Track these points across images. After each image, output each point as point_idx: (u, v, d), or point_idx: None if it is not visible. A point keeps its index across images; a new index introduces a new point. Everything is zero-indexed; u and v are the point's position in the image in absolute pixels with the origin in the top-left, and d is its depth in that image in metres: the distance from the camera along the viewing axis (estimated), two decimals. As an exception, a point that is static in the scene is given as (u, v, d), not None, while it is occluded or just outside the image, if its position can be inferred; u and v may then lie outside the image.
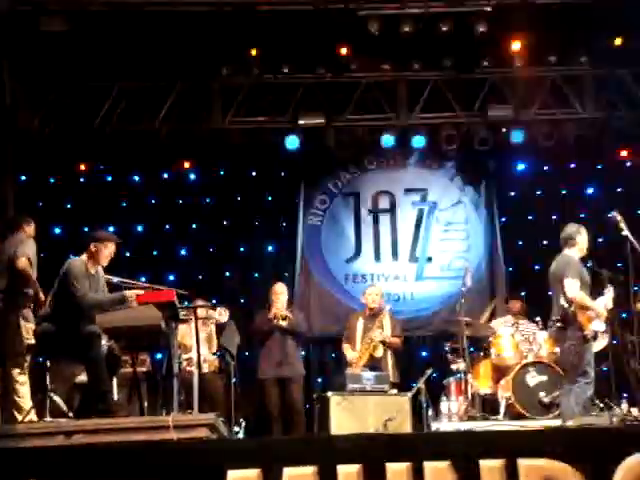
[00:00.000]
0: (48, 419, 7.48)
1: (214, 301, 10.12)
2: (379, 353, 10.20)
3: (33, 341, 7.92)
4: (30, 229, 8.31)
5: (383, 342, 10.24)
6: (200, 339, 9.93)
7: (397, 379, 10.19)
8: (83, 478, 5.86)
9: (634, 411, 8.11)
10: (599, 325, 8.29)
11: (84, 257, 7.73)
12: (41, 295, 7.99)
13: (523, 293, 11.52)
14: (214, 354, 10.25)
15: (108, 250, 7.79)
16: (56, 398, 8.07)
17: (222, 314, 9.80)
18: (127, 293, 7.53)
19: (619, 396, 9.21)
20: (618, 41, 11.14)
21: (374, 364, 10.14)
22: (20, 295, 7.94)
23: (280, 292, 10.55)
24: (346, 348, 10.49)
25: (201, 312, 9.29)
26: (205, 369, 10.09)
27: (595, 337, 8.32)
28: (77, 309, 7.41)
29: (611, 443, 5.99)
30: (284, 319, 10.33)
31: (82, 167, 12.32)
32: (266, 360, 10.36)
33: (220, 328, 10.04)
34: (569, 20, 10.63)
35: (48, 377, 7.89)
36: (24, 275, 7.90)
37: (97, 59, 10.96)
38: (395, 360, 10.39)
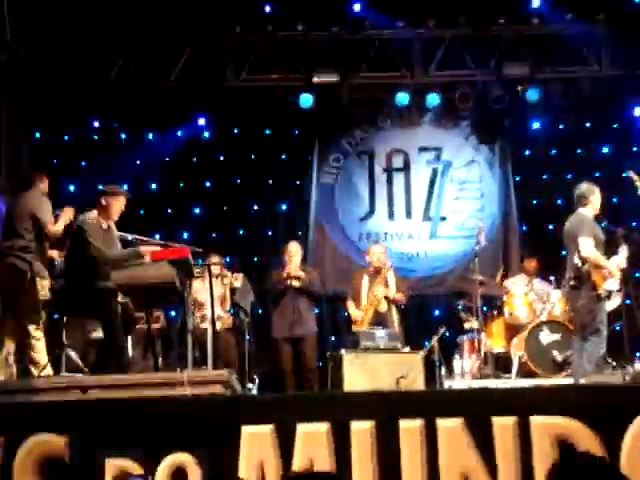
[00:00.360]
0: (64, 374, 7.54)
1: (227, 259, 10.17)
2: (383, 308, 10.21)
3: (48, 297, 7.97)
4: (43, 184, 8.30)
5: (386, 297, 10.25)
6: (214, 296, 10.05)
7: (402, 334, 10.21)
8: (98, 433, 5.92)
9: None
10: (613, 284, 8.28)
11: (95, 212, 7.76)
12: (54, 254, 8.03)
13: (537, 252, 11.48)
14: (228, 311, 10.28)
15: (119, 204, 7.83)
16: (72, 353, 8.14)
17: (237, 279, 9.86)
18: (142, 248, 7.57)
19: (632, 355, 9.22)
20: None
21: (379, 319, 10.15)
22: (37, 253, 7.96)
23: (294, 252, 10.55)
24: (350, 305, 10.50)
25: (215, 269, 9.37)
26: (218, 326, 10.14)
27: (609, 296, 8.31)
28: (92, 265, 7.45)
29: (624, 400, 6.00)
30: (297, 279, 10.35)
31: (96, 124, 12.27)
32: (279, 319, 10.40)
33: (234, 290, 10.10)
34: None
35: (64, 333, 7.95)
36: (53, 239, 7.95)
37: (112, 15, 10.89)
38: (400, 316, 10.40)
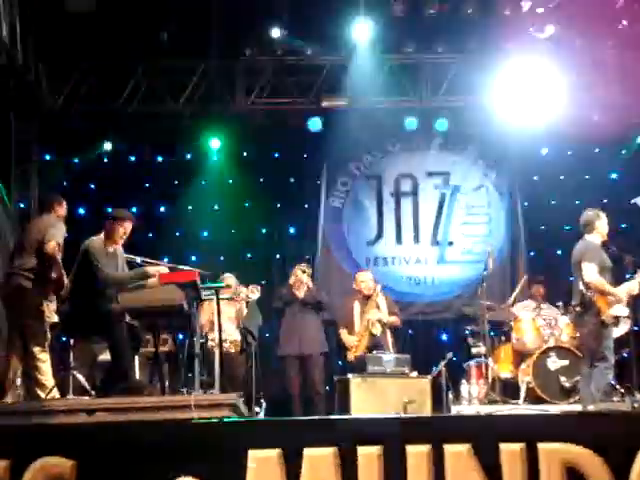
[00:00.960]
0: (71, 396, 7.55)
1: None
2: (377, 330, 10.17)
3: (55, 319, 7.98)
4: (61, 210, 8.31)
5: (380, 320, 10.22)
6: (227, 317, 10.07)
7: None
8: (104, 455, 5.91)
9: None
10: (620, 310, 8.27)
11: (101, 236, 7.79)
12: (64, 279, 8.03)
13: (544, 278, 11.46)
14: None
15: (123, 229, 7.85)
16: (79, 376, 8.14)
17: (254, 292, 9.83)
18: (149, 269, 7.58)
19: (640, 382, 9.18)
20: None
21: (375, 343, 10.11)
22: (45, 277, 7.97)
23: (300, 274, 10.52)
24: (343, 333, 10.44)
25: (228, 292, 9.42)
26: (232, 349, 10.16)
27: (616, 323, 8.30)
28: (98, 288, 7.46)
29: (632, 428, 5.98)
30: (300, 288, 10.30)
31: (106, 147, 12.30)
32: (287, 336, 10.37)
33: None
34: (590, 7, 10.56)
35: (72, 355, 7.96)
36: (51, 259, 7.92)
37: (120, 39, 10.95)
38: (394, 339, 10.37)
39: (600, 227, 8.56)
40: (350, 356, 10.18)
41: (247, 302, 10.11)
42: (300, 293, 10.33)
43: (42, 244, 7.77)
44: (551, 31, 11.08)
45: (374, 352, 9.88)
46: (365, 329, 10.21)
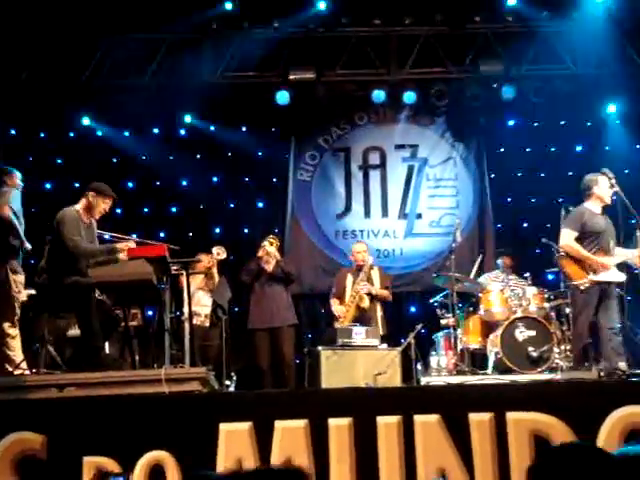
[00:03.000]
0: (43, 370, 7.52)
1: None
2: (365, 303, 10.20)
3: (23, 293, 7.95)
4: (12, 180, 8.22)
5: (369, 294, 10.26)
6: (204, 291, 10.08)
7: (385, 332, 10.22)
8: (75, 431, 5.92)
9: (621, 365, 8.17)
10: (604, 276, 8.32)
11: (78, 207, 7.74)
12: (26, 244, 7.97)
13: (511, 249, 11.54)
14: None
15: (104, 205, 7.81)
16: (51, 349, 8.12)
17: (220, 253, 9.84)
18: (119, 245, 7.57)
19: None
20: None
21: (362, 316, 10.16)
22: (5, 247, 7.90)
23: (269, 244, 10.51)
24: (334, 302, 10.49)
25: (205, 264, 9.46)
26: (206, 323, 10.20)
27: (605, 286, 8.33)
28: (70, 259, 7.43)
29: (598, 396, 6.06)
30: (268, 263, 10.28)
31: (71, 122, 12.20)
32: (256, 310, 10.33)
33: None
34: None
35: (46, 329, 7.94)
36: (6, 224, 7.86)
37: (87, 12, 10.85)
38: (384, 313, 10.42)
39: (598, 192, 8.50)
40: (337, 325, 10.20)
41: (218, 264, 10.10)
42: (269, 267, 10.32)
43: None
44: None
45: (349, 324, 9.93)
46: (353, 300, 10.25)
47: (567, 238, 8.44)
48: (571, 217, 8.55)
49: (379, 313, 10.31)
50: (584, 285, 8.33)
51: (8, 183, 8.19)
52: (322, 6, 11.23)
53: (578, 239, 8.46)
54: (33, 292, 7.97)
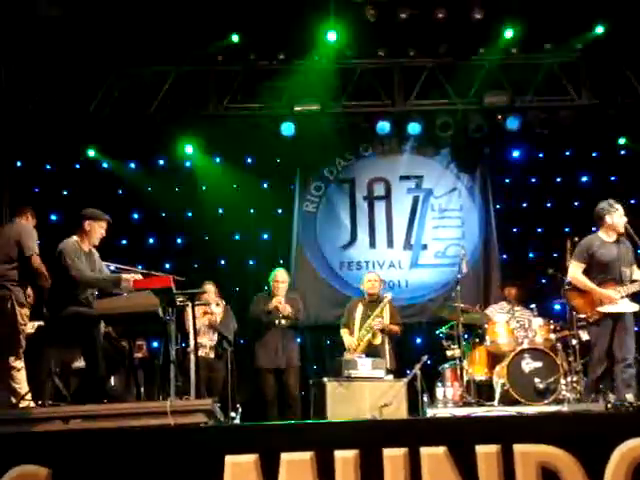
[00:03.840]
0: (49, 402, 7.50)
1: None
2: (378, 341, 10.22)
3: (29, 326, 7.95)
4: (33, 218, 8.33)
5: (382, 330, 10.26)
6: (209, 323, 10.10)
7: (394, 366, 10.21)
8: (79, 463, 5.88)
9: (629, 397, 8.13)
10: (613, 307, 8.28)
11: (76, 237, 7.77)
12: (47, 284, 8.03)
13: (518, 280, 11.52)
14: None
15: (101, 229, 7.85)
16: (57, 381, 8.11)
17: (219, 304, 9.93)
18: (124, 275, 7.57)
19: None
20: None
21: (372, 350, 10.15)
22: (20, 284, 7.95)
23: (282, 280, 10.54)
24: (344, 333, 10.52)
25: (209, 297, 9.53)
26: (211, 354, 10.20)
27: (617, 317, 8.29)
28: (73, 290, 7.44)
29: (606, 429, 6.02)
30: (285, 318, 10.32)
31: (78, 153, 12.24)
32: (263, 350, 10.35)
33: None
34: (564, 6, 10.63)
35: (52, 362, 7.94)
36: (39, 273, 7.94)
37: (93, 44, 10.92)
38: (392, 347, 10.41)
39: (610, 221, 8.47)
40: (345, 357, 10.18)
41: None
42: (281, 321, 10.33)
43: (22, 254, 7.78)
44: None
45: (357, 355, 9.93)
46: (365, 334, 10.23)
47: (574, 271, 8.46)
48: (578, 249, 8.54)
49: (387, 346, 10.30)
50: (593, 317, 8.31)
51: (31, 221, 8.27)
52: (332, 37, 11.24)
53: (587, 270, 8.43)
54: (41, 323, 7.98)
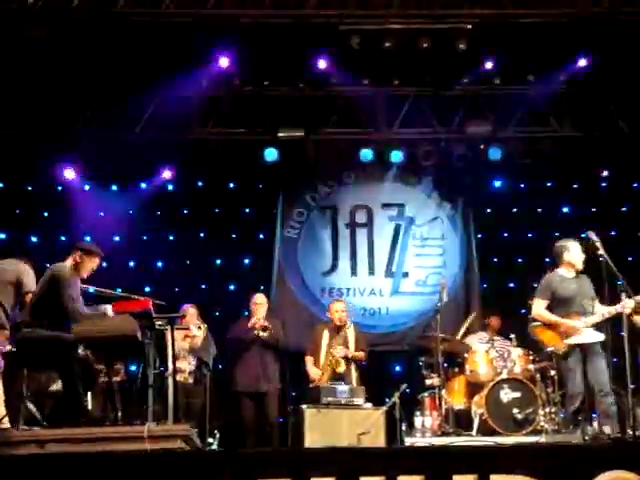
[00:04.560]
0: (23, 427, 7.42)
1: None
2: (341, 368, 10.17)
3: (7, 347, 7.88)
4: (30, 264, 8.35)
5: (345, 357, 10.22)
6: (188, 348, 10.06)
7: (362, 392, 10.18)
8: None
9: (606, 429, 8.15)
10: (579, 338, 8.46)
11: (68, 265, 7.73)
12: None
13: (499, 310, 11.54)
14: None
15: (92, 264, 7.81)
16: (30, 406, 8.02)
17: (201, 328, 9.92)
18: (108, 308, 7.52)
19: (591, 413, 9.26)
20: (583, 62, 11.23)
21: (338, 379, 10.09)
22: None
23: (260, 303, 10.55)
24: (308, 361, 10.43)
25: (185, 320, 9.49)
26: (190, 380, 10.15)
27: (585, 348, 8.45)
28: (59, 316, 7.39)
29: (583, 460, 6.03)
30: (264, 330, 10.29)
31: (60, 175, 12.20)
32: (243, 373, 10.31)
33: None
34: (547, 39, 10.71)
35: (25, 385, 7.85)
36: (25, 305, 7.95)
37: (76, 66, 10.91)
38: (360, 373, 10.36)
39: (569, 258, 8.75)
40: (325, 384, 10.14)
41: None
42: (263, 335, 10.30)
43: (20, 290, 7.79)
44: None
45: (329, 383, 9.86)
46: (329, 364, 10.19)
47: (537, 308, 8.74)
48: (541, 286, 8.84)
49: (354, 374, 10.26)
50: (561, 350, 8.50)
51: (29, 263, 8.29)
52: (322, 65, 11.27)
53: (550, 306, 8.72)
54: (12, 349, 7.88)
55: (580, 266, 8.74)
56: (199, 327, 10.18)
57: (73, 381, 7.28)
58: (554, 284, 8.70)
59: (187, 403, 9.92)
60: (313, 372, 10.29)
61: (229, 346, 10.61)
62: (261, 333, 10.29)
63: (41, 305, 7.56)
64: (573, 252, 8.74)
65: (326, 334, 10.43)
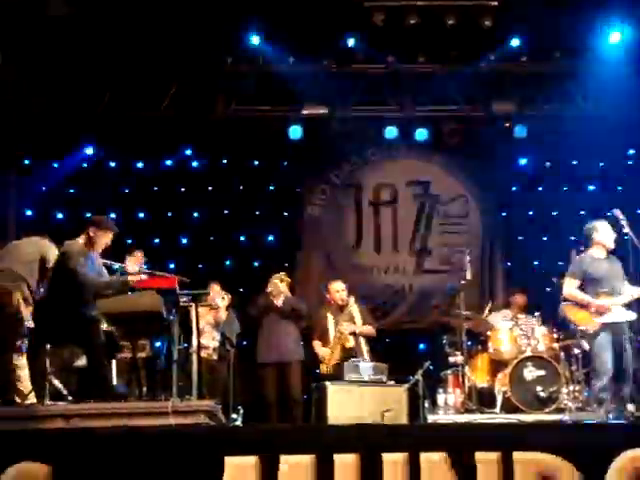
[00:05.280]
0: (48, 402, 7.51)
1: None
2: (350, 343, 10.16)
3: (32, 324, 7.95)
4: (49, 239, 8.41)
5: (353, 333, 10.21)
6: (213, 324, 10.11)
7: None
8: (80, 461, 5.90)
9: (630, 407, 8.14)
10: (609, 317, 8.48)
11: (81, 240, 7.77)
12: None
13: (524, 287, 11.50)
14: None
15: (106, 239, 7.84)
16: (55, 382, 8.11)
17: (225, 299, 9.95)
18: (130, 278, 7.58)
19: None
20: (616, 37, 11.12)
21: (348, 355, 10.08)
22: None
23: (279, 279, 10.51)
24: (316, 345, 10.38)
25: (213, 301, 9.53)
26: (214, 356, 10.21)
27: (616, 329, 8.46)
28: (77, 291, 7.44)
29: (606, 439, 6.02)
30: (279, 296, 10.29)
31: (86, 152, 12.26)
32: (264, 344, 10.32)
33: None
34: (573, 16, 10.62)
35: (48, 361, 7.92)
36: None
37: (104, 44, 10.91)
38: (370, 347, 10.35)
39: (599, 239, 8.75)
40: (323, 368, 10.15)
41: (226, 308, 10.21)
42: (278, 301, 10.32)
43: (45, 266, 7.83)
44: None
45: (351, 360, 9.87)
46: (338, 341, 10.19)
47: (568, 287, 8.73)
48: (572, 266, 8.86)
49: (365, 348, 10.21)
50: (593, 329, 8.44)
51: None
52: (350, 42, 11.26)
53: (581, 286, 8.71)
54: (32, 325, 7.95)
55: (611, 245, 8.74)
56: (222, 297, 10.18)
57: (97, 356, 7.35)
58: (585, 265, 8.73)
59: (211, 379, 9.98)
60: (322, 351, 10.26)
61: (251, 318, 10.62)
62: (277, 301, 10.27)
63: (56, 281, 7.62)
64: (602, 232, 8.73)
65: (330, 316, 10.36)
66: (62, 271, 7.60)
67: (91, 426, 6.48)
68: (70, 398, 7.91)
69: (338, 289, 10.50)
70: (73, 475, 5.82)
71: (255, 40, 11.17)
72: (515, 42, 11.25)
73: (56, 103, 11.54)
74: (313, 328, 10.59)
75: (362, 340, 10.28)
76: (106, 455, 5.92)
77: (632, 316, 8.53)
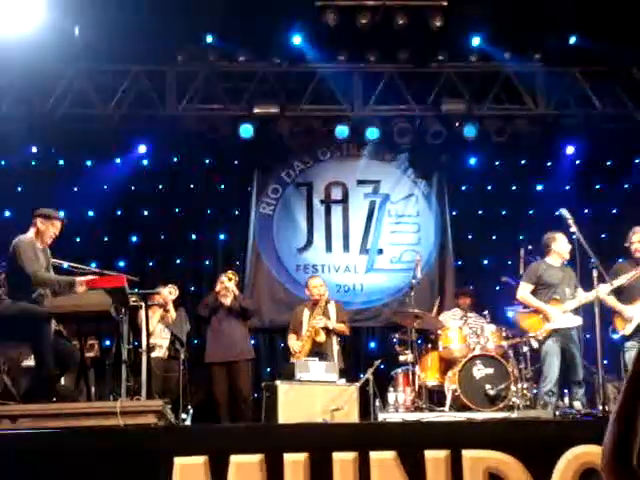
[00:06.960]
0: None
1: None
2: (321, 337, 10.21)
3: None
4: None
5: (325, 328, 10.27)
6: (163, 324, 10.08)
7: (342, 365, 10.24)
8: (28, 464, 5.84)
9: (577, 404, 8.26)
10: (558, 323, 8.95)
11: (31, 234, 7.71)
12: None
13: (471, 287, 11.60)
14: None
15: (54, 229, 7.79)
16: (7, 380, 8.02)
17: (172, 292, 9.90)
18: (78, 278, 7.51)
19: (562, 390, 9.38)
20: (571, 40, 11.28)
21: (318, 350, 10.15)
22: None
23: (228, 278, 10.53)
24: (291, 338, 10.49)
25: (163, 298, 9.47)
26: (166, 355, 10.19)
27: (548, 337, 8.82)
28: (26, 287, 7.38)
29: (553, 436, 6.09)
30: (226, 294, 10.29)
31: (34, 150, 12.14)
32: (213, 344, 10.36)
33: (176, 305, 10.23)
34: (523, 17, 10.72)
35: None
36: None
37: (52, 41, 10.79)
38: (341, 347, 10.42)
39: (557, 248, 9.24)
40: (294, 360, 10.18)
41: (176, 307, 10.17)
42: (226, 300, 10.33)
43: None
44: None
45: (306, 358, 9.90)
46: (309, 335, 10.24)
47: (522, 291, 9.30)
48: (527, 272, 9.39)
49: (335, 347, 10.31)
50: (542, 335, 8.96)
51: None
52: (297, 40, 11.27)
53: (534, 291, 9.23)
54: None
55: (567, 256, 9.18)
56: (170, 292, 10.13)
57: (45, 356, 7.27)
58: (540, 270, 9.20)
59: (164, 377, 9.96)
60: (294, 344, 10.33)
61: (200, 318, 10.65)
62: (225, 300, 10.29)
63: (10, 279, 7.55)
64: (560, 243, 9.21)
65: (306, 312, 10.47)
66: (13, 267, 7.53)
67: (39, 427, 6.42)
68: (18, 398, 7.82)
69: (316, 284, 10.61)
70: (19, 478, 5.76)
71: (208, 39, 11.14)
72: (464, 42, 11.33)
73: (1, 101, 11.39)
74: (290, 322, 10.62)
75: (334, 339, 10.33)
76: (54, 456, 5.87)
77: (578, 321, 9.02)
